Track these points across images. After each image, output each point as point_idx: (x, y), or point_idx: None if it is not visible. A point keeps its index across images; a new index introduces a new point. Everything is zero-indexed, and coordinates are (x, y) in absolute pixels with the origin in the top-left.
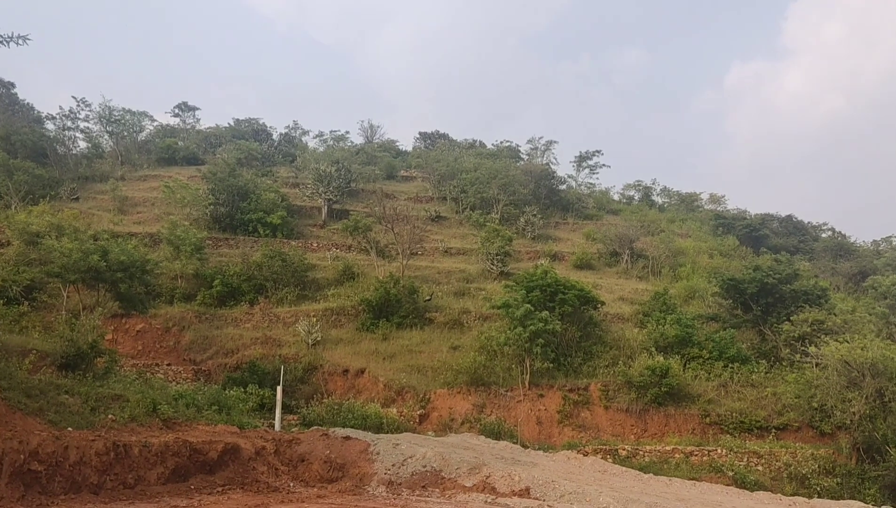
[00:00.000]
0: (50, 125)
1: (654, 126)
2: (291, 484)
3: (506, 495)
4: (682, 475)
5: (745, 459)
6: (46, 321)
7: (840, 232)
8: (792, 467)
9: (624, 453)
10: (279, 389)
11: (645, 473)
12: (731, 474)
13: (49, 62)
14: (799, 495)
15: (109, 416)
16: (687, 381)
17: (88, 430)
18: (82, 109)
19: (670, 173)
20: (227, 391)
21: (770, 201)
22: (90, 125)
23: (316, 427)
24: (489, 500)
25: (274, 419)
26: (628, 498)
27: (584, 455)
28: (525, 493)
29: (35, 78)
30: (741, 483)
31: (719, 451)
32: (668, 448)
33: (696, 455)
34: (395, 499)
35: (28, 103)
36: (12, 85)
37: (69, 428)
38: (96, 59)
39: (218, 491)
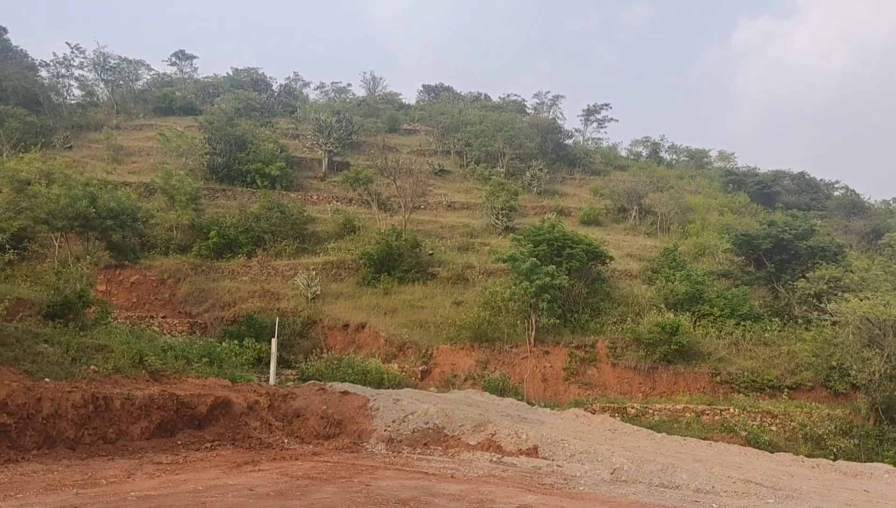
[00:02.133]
0: (44, 73)
1: (660, 84)
2: (286, 441)
3: (513, 454)
4: (694, 434)
5: (759, 419)
6: (37, 270)
7: (853, 190)
8: (807, 427)
9: (633, 411)
10: (274, 342)
11: (657, 432)
12: (744, 434)
13: (44, 9)
14: (814, 456)
15: (91, 367)
16: (697, 339)
17: (67, 381)
18: (77, 56)
19: (677, 132)
20: (217, 344)
21: (777, 159)
22: (85, 73)
23: (312, 382)
24: (495, 459)
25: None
26: (642, 458)
27: (592, 413)
28: (533, 452)
29: (29, 25)
30: (755, 443)
31: (732, 410)
32: (678, 406)
33: (707, 415)
34: (394, 457)
35: (21, 50)
36: (4, 30)
37: (46, 379)
38: (93, 7)
39: (206, 447)
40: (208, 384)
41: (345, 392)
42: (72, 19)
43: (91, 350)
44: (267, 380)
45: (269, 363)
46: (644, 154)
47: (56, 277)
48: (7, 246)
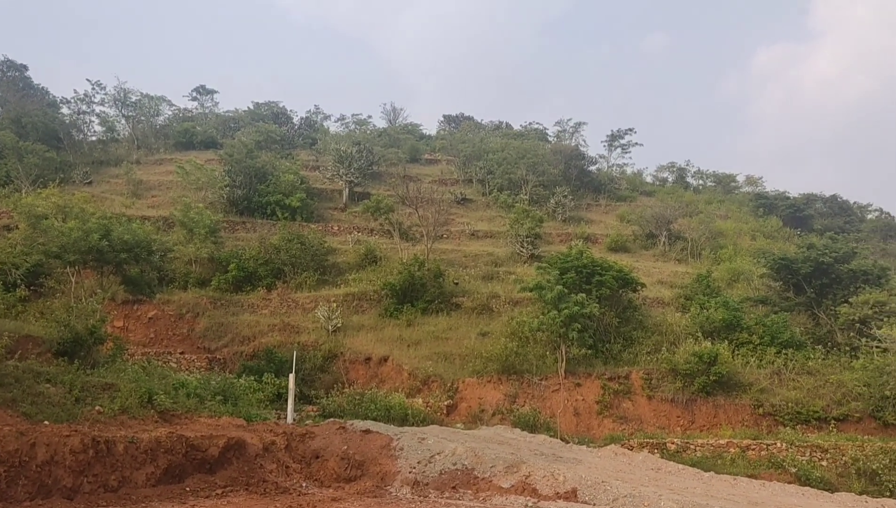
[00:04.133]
0: (65, 109)
1: (679, 112)
2: (304, 484)
3: (549, 498)
4: (740, 471)
5: (808, 453)
6: (49, 307)
7: (888, 212)
8: (860, 462)
9: (673, 447)
10: (291, 377)
11: (704, 471)
12: (793, 470)
13: (65, 47)
14: (869, 492)
15: (96, 408)
16: (737, 369)
17: (68, 424)
18: (97, 93)
19: (697, 159)
20: (235, 380)
21: (801, 184)
22: (106, 109)
23: (332, 420)
24: (531, 504)
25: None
26: (693, 503)
27: (630, 450)
28: (572, 496)
29: (51, 63)
30: (805, 479)
31: (779, 445)
32: (721, 441)
33: (753, 450)
34: (421, 502)
35: (43, 87)
36: (25, 68)
37: (45, 422)
38: (115, 49)
39: (217, 494)
40: (221, 423)
41: (366, 431)
42: (93, 57)
43: (97, 390)
44: (285, 418)
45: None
46: (670, 180)
47: (66, 313)
48: (20, 282)
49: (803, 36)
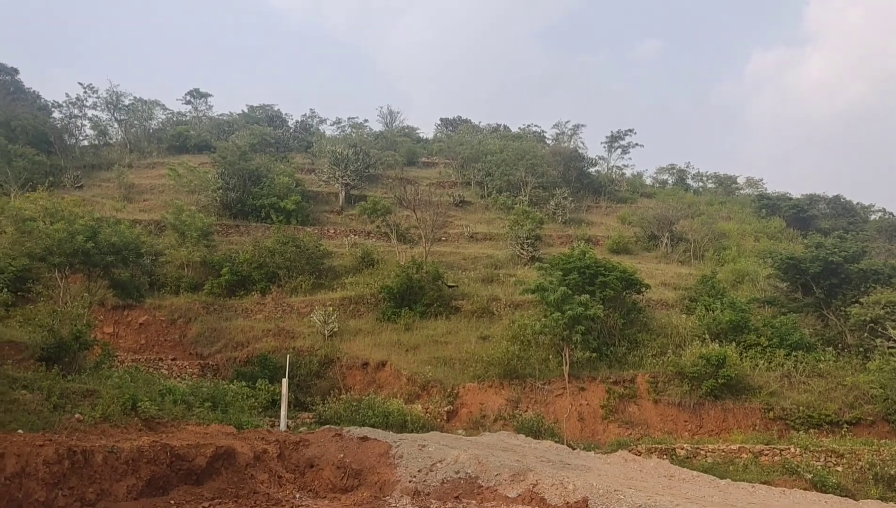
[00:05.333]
0: (57, 114)
1: (674, 117)
2: (297, 496)
3: None
4: (753, 478)
5: (822, 458)
6: (34, 311)
7: (891, 212)
8: (877, 467)
9: (682, 452)
10: (284, 382)
11: (720, 478)
12: (808, 476)
13: (60, 56)
14: (887, 499)
15: (76, 415)
16: (745, 371)
17: (43, 433)
18: (90, 96)
19: (696, 162)
20: (225, 385)
21: (800, 186)
22: (98, 113)
23: (328, 427)
24: None
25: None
26: None
27: (638, 455)
28: (582, 505)
29: (44, 70)
30: (822, 486)
31: (792, 450)
32: (733, 446)
33: (766, 455)
34: None
35: (34, 91)
36: (15, 71)
37: (19, 431)
38: (107, 52)
39: (204, 507)
40: (210, 431)
41: (364, 438)
42: (88, 65)
43: (77, 396)
44: (279, 425)
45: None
46: (670, 182)
47: (51, 317)
48: (3, 287)
49: (798, 40)
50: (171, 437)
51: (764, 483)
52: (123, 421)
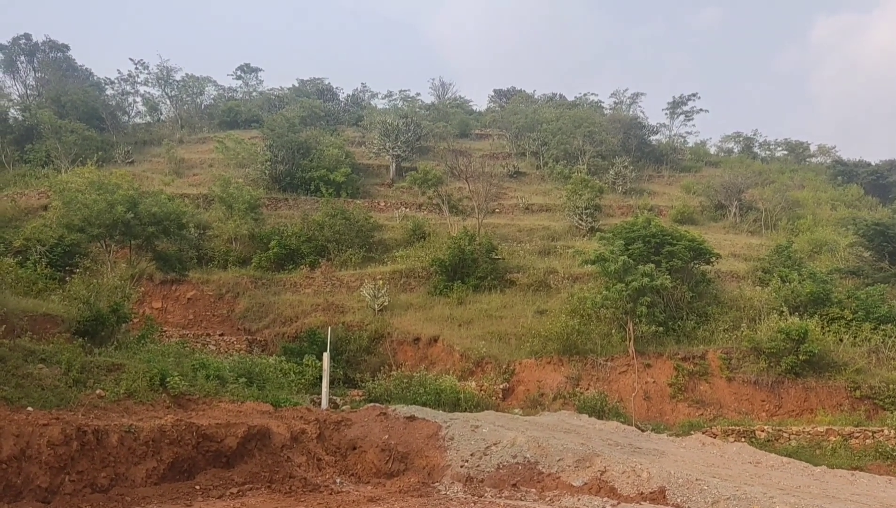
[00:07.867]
0: (109, 91)
1: (735, 87)
2: (337, 480)
3: (632, 499)
4: (842, 463)
5: None
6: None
7: None
8: None
9: (763, 435)
10: (326, 356)
11: (814, 465)
12: None
13: (108, 28)
14: None
15: (97, 391)
16: (829, 347)
17: (56, 410)
18: (141, 73)
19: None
20: (261, 360)
21: (870, 153)
22: (150, 89)
23: (372, 405)
24: (610, 506)
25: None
26: (816, 506)
27: (714, 438)
28: (660, 497)
29: (93, 43)
30: None
31: (886, 432)
32: (819, 429)
33: (856, 438)
34: (475, 503)
35: (86, 68)
36: (67, 48)
37: (29, 408)
38: (159, 30)
39: (232, 493)
40: (244, 409)
41: (411, 418)
42: (135, 37)
43: (101, 371)
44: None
45: (332, 381)
46: (735, 150)
47: (87, 290)
48: (41, 258)
49: (865, 5)
50: (200, 416)
51: (856, 468)
52: (150, 398)
